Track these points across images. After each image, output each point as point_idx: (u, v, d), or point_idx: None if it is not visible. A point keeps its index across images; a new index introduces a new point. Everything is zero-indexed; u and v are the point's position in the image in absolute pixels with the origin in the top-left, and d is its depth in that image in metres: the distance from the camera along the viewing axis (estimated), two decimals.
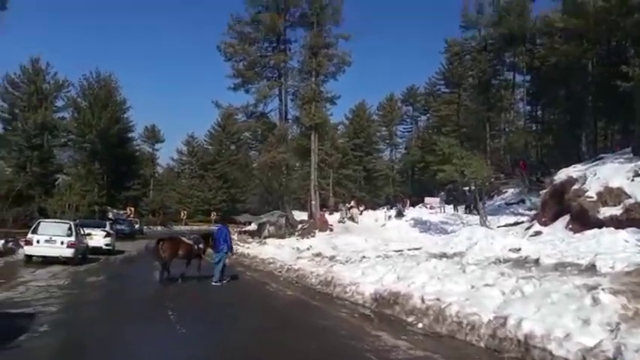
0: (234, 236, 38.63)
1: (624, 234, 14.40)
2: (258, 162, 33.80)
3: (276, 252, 22.95)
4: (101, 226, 21.63)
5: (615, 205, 17.56)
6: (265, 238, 33.39)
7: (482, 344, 6.97)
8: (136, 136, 64.08)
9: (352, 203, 39.33)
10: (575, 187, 19.81)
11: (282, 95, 34.05)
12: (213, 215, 65.21)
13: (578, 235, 15.98)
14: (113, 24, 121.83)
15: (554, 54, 33.13)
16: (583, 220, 18.02)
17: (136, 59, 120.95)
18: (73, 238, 16.20)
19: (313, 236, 29.35)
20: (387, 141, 72.63)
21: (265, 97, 32.91)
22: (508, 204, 32.71)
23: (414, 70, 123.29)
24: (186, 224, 63.31)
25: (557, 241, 16.36)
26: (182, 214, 65.03)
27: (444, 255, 12.67)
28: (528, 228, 20.94)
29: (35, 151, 45.12)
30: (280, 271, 16.30)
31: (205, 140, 76.24)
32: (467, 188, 40.77)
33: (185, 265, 12.93)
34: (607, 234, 14.83)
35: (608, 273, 8.09)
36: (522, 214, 28.08)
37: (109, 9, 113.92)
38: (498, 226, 24.33)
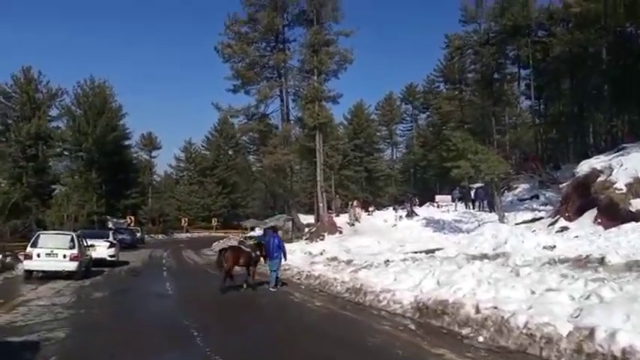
0: (237, 241, 37.82)
1: None
2: (262, 165, 32.78)
3: (288, 257, 21.92)
4: (104, 237, 20.39)
5: None
6: None
7: None
8: (133, 144, 63.07)
9: (355, 203, 38.45)
10: (601, 179, 18.90)
11: (283, 95, 33.11)
12: (214, 222, 64.26)
13: (614, 229, 15.07)
14: (106, 28, 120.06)
15: (563, 43, 32.23)
16: (612, 214, 17.11)
17: (128, 64, 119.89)
18: (75, 251, 15.11)
19: (322, 239, 28.32)
20: (388, 140, 71.82)
21: (266, 98, 31.95)
22: (521, 200, 31.74)
23: (413, 68, 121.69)
24: (187, 231, 62.26)
25: (591, 236, 15.47)
26: (183, 221, 63.95)
27: (484, 256, 11.69)
28: (552, 224, 19.97)
29: (30, 162, 44.10)
30: (299, 278, 15.32)
31: (203, 146, 75.25)
32: (476, 185, 40.00)
33: (247, 273, 13.35)
34: None
35: None
36: (537, 210, 27.19)
37: (101, 12, 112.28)
38: (516, 223, 23.32)
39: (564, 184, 23.06)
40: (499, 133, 41.00)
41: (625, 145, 22.01)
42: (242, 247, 13.63)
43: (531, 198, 31.12)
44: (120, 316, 9.87)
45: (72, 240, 15.42)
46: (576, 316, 6.55)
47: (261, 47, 32.86)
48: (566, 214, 19.92)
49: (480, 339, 7.18)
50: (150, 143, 72.55)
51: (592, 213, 18.23)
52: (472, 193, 35.25)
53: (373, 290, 10.87)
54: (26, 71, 46.70)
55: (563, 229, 18.51)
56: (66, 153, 49.01)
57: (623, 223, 15.92)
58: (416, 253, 19.61)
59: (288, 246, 27.68)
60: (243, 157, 72.71)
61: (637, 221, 15.57)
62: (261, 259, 13.60)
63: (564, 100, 40.56)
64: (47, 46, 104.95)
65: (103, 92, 49.89)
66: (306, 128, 31.23)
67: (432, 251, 19.75)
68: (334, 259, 19.22)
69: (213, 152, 72.77)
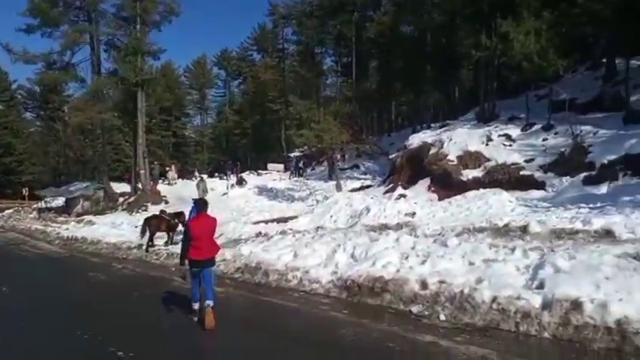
0: (34, 214, 31.70)
1: (506, 195, 15.23)
2: (71, 122, 27.54)
3: (118, 232, 18.92)
4: None
5: (476, 168, 18.76)
6: (79, 215, 27.88)
7: (547, 334, 5.87)
8: None
9: (172, 167, 35.92)
10: (432, 151, 20.64)
11: (94, 44, 28.21)
12: None
13: (458, 197, 16.34)
14: None
15: (381, 24, 34.25)
16: (446, 183, 18.80)
17: None
18: None
19: (146, 210, 25.39)
20: (199, 105, 68.37)
21: (74, 44, 26.84)
22: (341, 169, 33.34)
23: (228, 32, 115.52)
24: None
25: (430, 203, 16.67)
26: None
27: (384, 226, 11.40)
28: (388, 191, 21.15)
29: None
30: (157, 259, 13.08)
31: None
32: (292, 154, 40.68)
33: (167, 236, 15.19)
34: (491, 195, 15.49)
35: (631, 239, 7.78)
36: (359, 179, 28.85)
37: None
38: (349, 190, 24.26)
39: (394, 155, 24.67)
40: (318, 105, 42.28)
41: (448, 122, 24.40)
42: (163, 215, 15.36)
43: (352, 167, 32.94)
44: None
45: None
46: (539, 288, 6.52)
47: None
48: (399, 183, 21.36)
49: (442, 317, 6.73)
50: None
51: (425, 182, 19.76)
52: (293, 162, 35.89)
53: (275, 269, 9.69)
54: None
55: (402, 196, 19.72)
56: None
57: (455, 191, 17.63)
58: (267, 223, 18.81)
59: (107, 218, 24.33)
60: (19, 114, 61.47)
61: (469, 190, 17.37)
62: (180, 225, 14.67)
63: (372, 79, 43.66)
64: None
65: None
66: (125, 84, 27.22)
67: (285, 220, 19.19)
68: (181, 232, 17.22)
69: None
